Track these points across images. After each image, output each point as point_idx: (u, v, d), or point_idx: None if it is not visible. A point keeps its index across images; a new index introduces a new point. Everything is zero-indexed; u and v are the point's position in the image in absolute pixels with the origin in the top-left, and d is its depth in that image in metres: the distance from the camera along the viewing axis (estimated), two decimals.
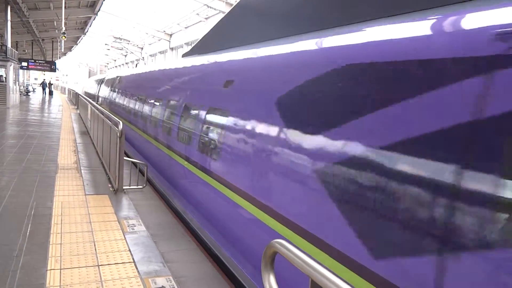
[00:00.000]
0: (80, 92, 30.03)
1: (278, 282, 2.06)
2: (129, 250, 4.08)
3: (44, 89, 39.86)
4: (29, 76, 58.83)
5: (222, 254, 4.38)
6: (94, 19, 27.52)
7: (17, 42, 35.61)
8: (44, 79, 43.27)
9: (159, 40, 35.70)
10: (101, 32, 44.53)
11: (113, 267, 3.68)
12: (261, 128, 3.76)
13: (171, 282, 3.51)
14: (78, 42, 40.93)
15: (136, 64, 24.60)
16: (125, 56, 51.44)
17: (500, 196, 1.71)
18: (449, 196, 1.91)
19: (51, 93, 39.38)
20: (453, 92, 1.99)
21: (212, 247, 4.60)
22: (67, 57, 66.43)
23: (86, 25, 31.06)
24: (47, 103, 29.11)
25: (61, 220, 4.78)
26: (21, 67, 31.92)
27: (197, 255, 4.20)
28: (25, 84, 45.06)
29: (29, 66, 32.28)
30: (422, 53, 2.27)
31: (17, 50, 31.48)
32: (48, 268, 3.56)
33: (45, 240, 4.15)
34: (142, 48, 42.06)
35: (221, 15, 22.31)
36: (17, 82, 33.41)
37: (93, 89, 24.39)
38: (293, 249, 1.89)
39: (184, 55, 8.61)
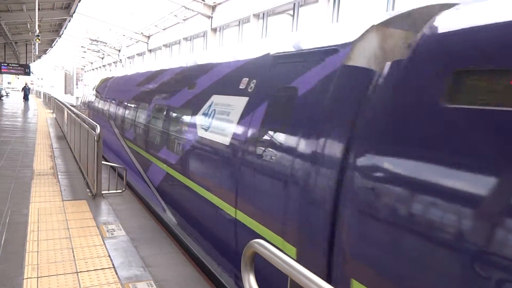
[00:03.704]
0: (77, 107, 17.72)
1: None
2: (109, 256, 4.02)
3: (26, 94, 37.90)
4: (1, 80, 57.03)
5: (204, 256, 4.37)
6: (69, 21, 26.90)
7: None
8: (26, 84, 41.30)
9: (136, 42, 35.22)
10: (77, 34, 43.66)
11: (93, 273, 3.63)
12: None
13: (152, 286, 3.48)
14: (53, 44, 39.92)
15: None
16: (102, 58, 50.56)
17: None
18: None
19: (26, 97, 38.03)
20: None
21: (194, 249, 4.58)
22: (42, 60, 64.80)
23: (61, 28, 30.35)
24: (21, 108, 28.34)
25: (38, 227, 4.67)
26: None
27: (179, 258, 4.18)
28: None
29: (2, 70, 31.24)
30: None
31: None
32: (25, 277, 3.47)
33: (21, 248, 4.05)
34: (119, 50, 41.44)
35: (200, 17, 22.24)
36: None
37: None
38: (272, 249, 1.91)
39: None
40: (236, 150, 3.79)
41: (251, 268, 2.07)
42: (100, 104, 12.67)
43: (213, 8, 21.35)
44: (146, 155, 6.90)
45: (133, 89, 8.94)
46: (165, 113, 6.27)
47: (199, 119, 4.79)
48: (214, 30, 21.85)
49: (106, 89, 12.56)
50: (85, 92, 19.61)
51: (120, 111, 9.48)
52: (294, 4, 15.32)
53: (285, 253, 1.87)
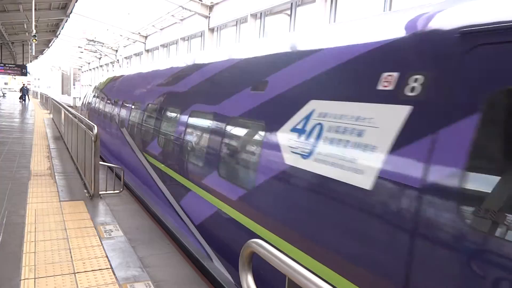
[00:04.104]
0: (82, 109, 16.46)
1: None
2: (106, 256, 4.01)
3: (24, 95, 37.32)
4: None
5: (201, 256, 4.37)
6: (66, 21, 26.82)
7: None
8: (24, 84, 40.77)
9: (134, 42, 35.16)
10: (74, 34, 43.52)
11: (90, 274, 3.62)
12: None
13: (150, 287, 3.47)
14: (50, 45, 39.81)
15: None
16: (99, 59, 50.42)
17: None
18: None
19: (22, 97, 37.68)
20: None
21: (191, 249, 4.58)
22: (39, 61, 64.56)
23: (58, 28, 30.25)
24: (18, 108, 28.24)
25: (35, 228, 4.65)
26: None
27: (177, 259, 4.17)
28: None
29: None
30: None
31: None
32: (22, 278, 3.46)
33: (18, 249, 4.03)
34: (116, 51, 41.33)
35: (197, 17, 22.21)
36: None
37: None
38: (270, 248, 1.91)
39: None
40: (396, 204, 2.16)
41: (249, 268, 2.07)
42: (107, 108, 10.90)
43: (211, 8, 21.33)
44: (181, 180, 5.17)
45: (155, 90, 7.31)
46: (211, 124, 4.55)
47: (284, 138, 3.13)
48: (212, 30, 21.83)
49: (115, 89, 10.86)
50: (88, 93, 16.67)
51: (137, 117, 7.72)
52: (292, 4, 15.32)
53: (283, 253, 1.87)
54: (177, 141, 5.52)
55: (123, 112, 8.88)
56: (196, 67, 5.94)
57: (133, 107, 8.24)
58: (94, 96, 13.81)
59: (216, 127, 4.46)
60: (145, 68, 9.47)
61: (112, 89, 11.21)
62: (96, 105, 12.77)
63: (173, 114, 5.94)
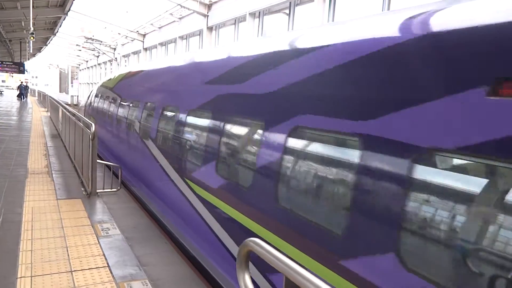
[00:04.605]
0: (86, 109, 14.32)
1: None
2: (103, 255, 4.00)
3: (22, 93, 36.95)
4: None
5: (199, 255, 4.36)
6: (64, 19, 26.71)
7: None
8: (21, 82, 40.42)
9: (132, 40, 35.03)
10: (72, 32, 43.37)
11: (87, 272, 3.61)
12: None
13: (147, 285, 3.46)
14: (47, 42, 39.66)
15: None
16: (97, 57, 50.25)
17: None
18: None
19: (20, 96, 37.47)
20: None
21: (189, 248, 4.57)
22: (37, 58, 64.33)
23: (56, 25, 30.11)
24: (16, 106, 28.14)
25: (32, 226, 4.63)
26: None
27: (174, 257, 4.17)
28: None
29: None
30: None
31: None
32: (18, 276, 3.45)
33: (15, 247, 4.02)
34: (114, 49, 41.20)
35: (196, 15, 22.17)
36: None
37: None
38: (267, 247, 1.90)
39: None
40: None
41: (246, 267, 2.06)
42: (121, 112, 8.72)
43: (209, 6, 21.28)
44: (265, 235, 3.23)
45: (203, 91, 4.98)
46: (358, 158, 2.44)
47: None
48: (210, 28, 21.79)
49: (132, 88, 8.72)
50: (93, 92, 13.94)
51: (173, 128, 5.64)
52: (290, 3, 15.31)
53: (280, 252, 1.86)
54: (267, 176, 3.39)
55: (148, 119, 6.77)
56: (290, 55, 3.61)
57: (164, 113, 6.12)
58: (101, 97, 11.54)
59: (378, 166, 2.32)
60: (181, 59, 7.06)
61: (128, 88, 9.01)
62: (105, 106, 10.53)
63: (251, 130, 3.80)
